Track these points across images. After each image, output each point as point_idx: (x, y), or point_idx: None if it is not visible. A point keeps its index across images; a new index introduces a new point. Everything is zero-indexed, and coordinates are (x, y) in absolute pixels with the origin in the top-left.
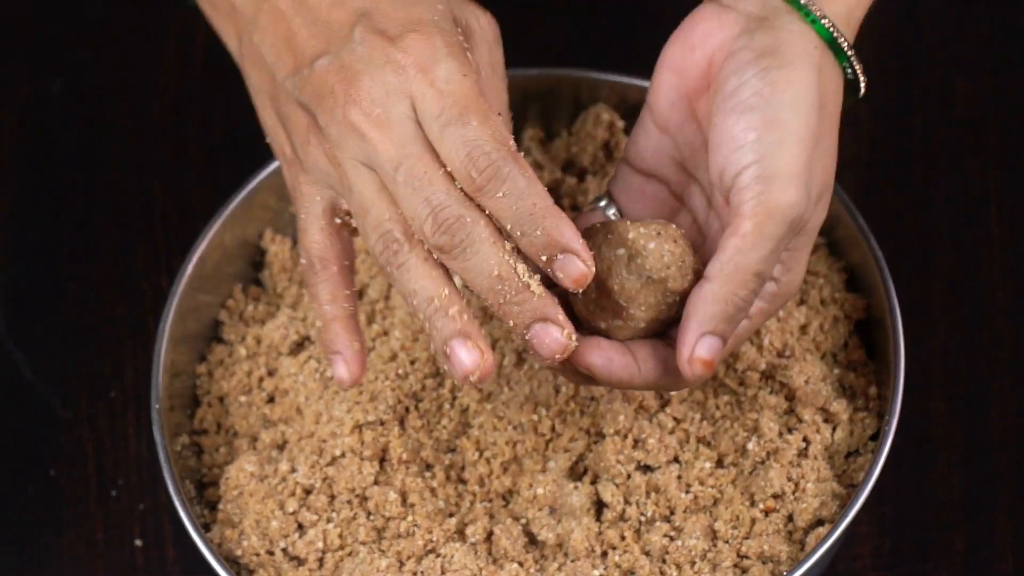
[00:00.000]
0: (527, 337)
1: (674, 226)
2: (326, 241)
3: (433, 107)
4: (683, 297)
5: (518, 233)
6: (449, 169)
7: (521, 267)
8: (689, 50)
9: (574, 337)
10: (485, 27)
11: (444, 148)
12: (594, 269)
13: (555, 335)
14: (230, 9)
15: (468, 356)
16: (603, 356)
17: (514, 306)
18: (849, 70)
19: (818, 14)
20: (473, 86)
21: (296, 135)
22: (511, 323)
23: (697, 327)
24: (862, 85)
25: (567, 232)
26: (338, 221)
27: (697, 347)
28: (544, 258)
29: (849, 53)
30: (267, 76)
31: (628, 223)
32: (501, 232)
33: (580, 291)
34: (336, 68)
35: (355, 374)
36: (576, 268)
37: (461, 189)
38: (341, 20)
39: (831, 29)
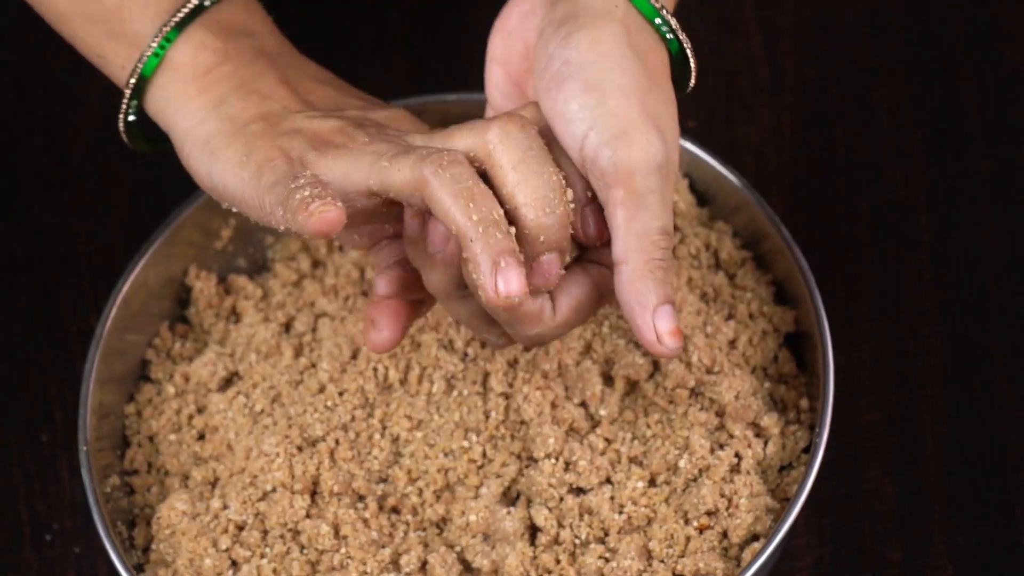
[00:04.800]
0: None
1: None
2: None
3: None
4: None
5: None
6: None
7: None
8: (507, 37)
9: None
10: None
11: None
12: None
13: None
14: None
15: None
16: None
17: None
18: (666, 29)
19: None
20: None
21: (317, 140)
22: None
23: (642, 310)
24: (687, 47)
25: None
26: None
27: (657, 326)
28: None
29: (656, 6)
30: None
31: None
32: None
33: None
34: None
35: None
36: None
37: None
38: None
39: None
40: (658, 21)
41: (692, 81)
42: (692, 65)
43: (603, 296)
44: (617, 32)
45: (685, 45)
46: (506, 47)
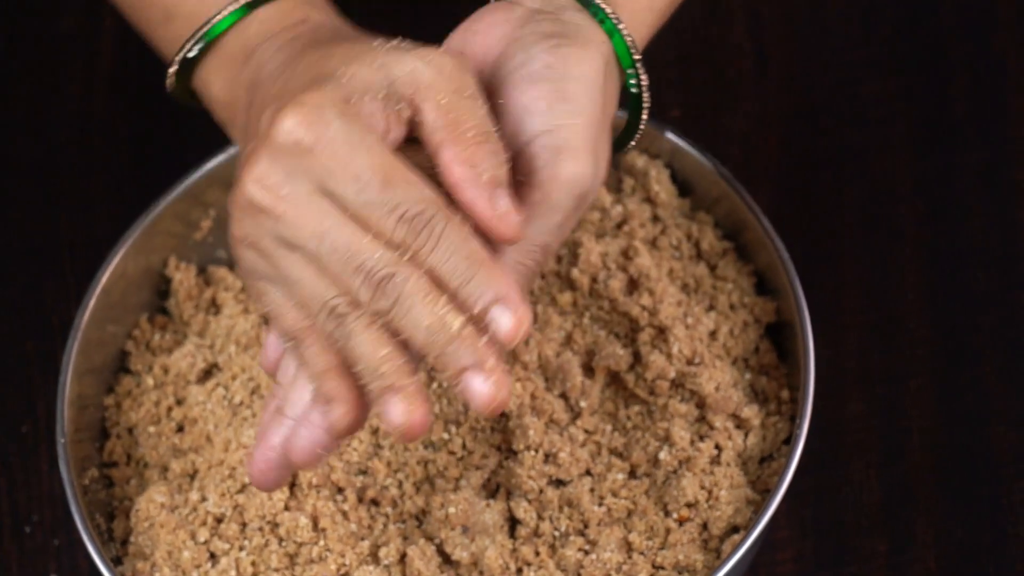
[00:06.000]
0: (457, 389)
1: None
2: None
3: (348, 187)
4: None
5: (455, 285)
6: (374, 235)
7: (454, 318)
8: (471, 35)
9: (502, 387)
10: (435, 70)
11: (371, 219)
12: (529, 317)
13: (479, 384)
14: None
15: (395, 409)
16: None
17: (446, 356)
18: (633, 81)
19: (608, 11)
20: (382, 151)
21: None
22: (447, 374)
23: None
24: (644, 105)
25: (501, 282)
26: None
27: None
28: (479, 311)
29: (635, 57)
30: None
31: None
32: (438, 285)
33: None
34: (243, 158)
35: (356, 416)
36: (507, 319)
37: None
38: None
39: (618, 24)
40: (630, 71)
41: (634, 141)
42: (643, 119)
43: None
44: (597, 61)
45: (644, 104)
46: (465, 43)
